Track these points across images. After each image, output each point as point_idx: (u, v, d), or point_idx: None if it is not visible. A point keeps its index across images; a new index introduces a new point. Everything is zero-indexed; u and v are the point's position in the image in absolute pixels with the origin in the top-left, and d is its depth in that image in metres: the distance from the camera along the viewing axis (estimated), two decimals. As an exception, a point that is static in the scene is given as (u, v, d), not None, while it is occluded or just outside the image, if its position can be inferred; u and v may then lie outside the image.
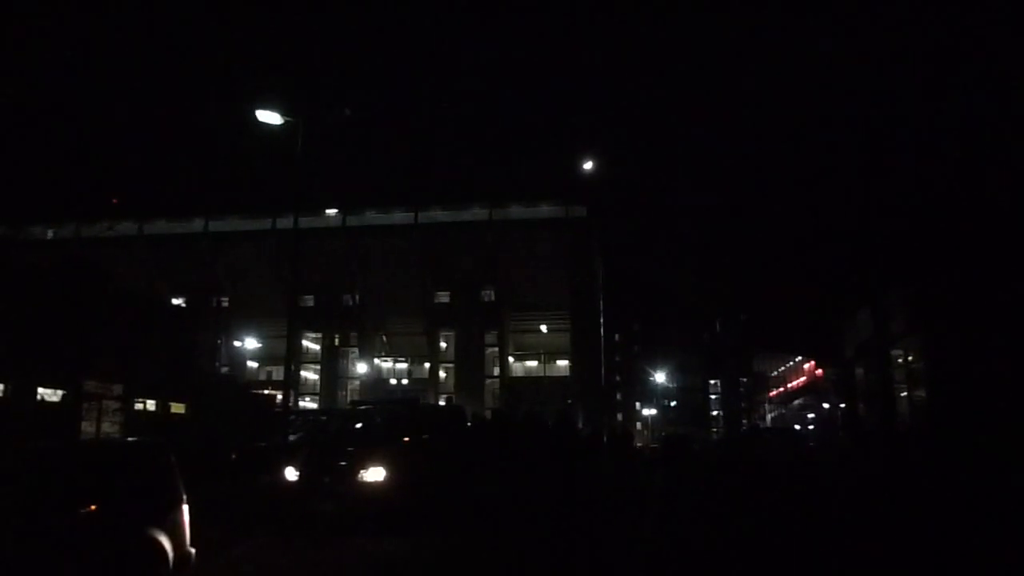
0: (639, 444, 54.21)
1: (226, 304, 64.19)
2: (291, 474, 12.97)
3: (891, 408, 26.68)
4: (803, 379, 61.33)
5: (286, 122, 20.65)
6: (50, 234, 65.62)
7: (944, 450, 18.15)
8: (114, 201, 65.75)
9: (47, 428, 21.40)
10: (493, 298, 63.76)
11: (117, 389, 28.36)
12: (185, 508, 8.05)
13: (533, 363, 68.23)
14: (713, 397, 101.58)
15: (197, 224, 66.10)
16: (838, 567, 8.79)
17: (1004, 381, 17.18)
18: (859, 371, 32.51)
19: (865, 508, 13.18)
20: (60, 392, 26.17)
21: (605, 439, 31.31)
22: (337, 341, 65.88)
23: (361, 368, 64.65)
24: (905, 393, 25.63)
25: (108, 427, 26.44)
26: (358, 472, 12.35)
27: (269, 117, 20.34)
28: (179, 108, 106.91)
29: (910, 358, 24.84)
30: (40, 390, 25.56)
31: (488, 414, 33.31)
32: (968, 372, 18.88)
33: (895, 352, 26.33)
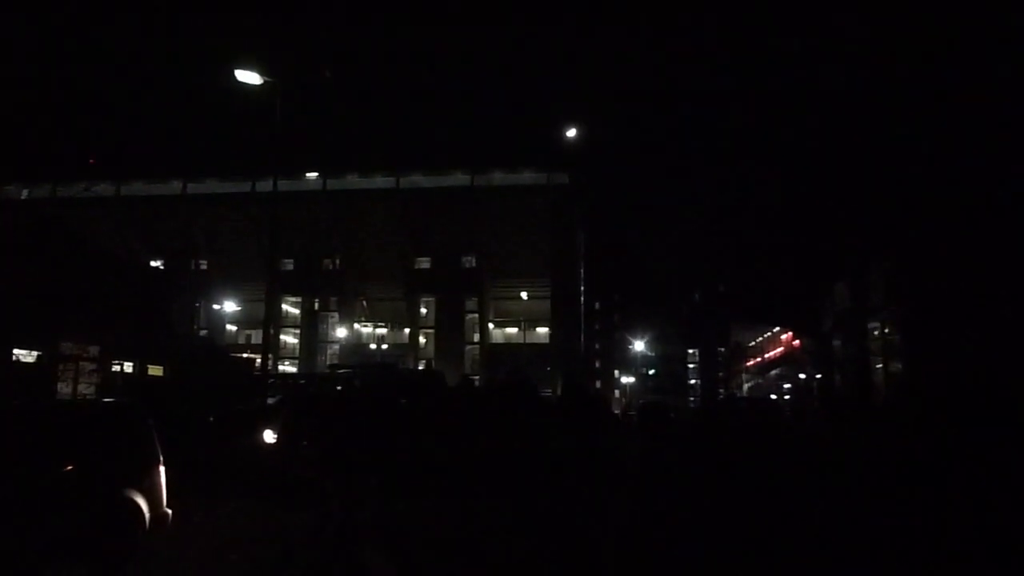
0: (616, 411, 54.50)
1: (205, 267, 63.81)
2: (269, 437, 12.97)
3: (867, 379, 27.03)
4: (780, 350, 61.83)
5: (265, 83, 20.43)
6: (25, 194, 64.77)
7: (919, 421, 18.38)
8: (91, 161, 64.93)
9: (22, 389, 21.29)
10: (474, 264, 63.68)
11: (93, 351, 28.22)
12: (162, 470, 8.05)
13: (513, 330, 68.35)
14: (691, 366, 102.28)
15: (175, 186, 65.31)
16: (812, 537, 8.86)
17: (979, 353, 17.41)
18: (836, 343, 32.89)
19: (840, 478, 13.32)
20: (35, 353, 26.00)
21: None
22: (317, 305, 65.65)
23: (341, 333, 64.59)
24: (881, 365, 25.97)
25: (84, 388, 26.33)
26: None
27: (248, 77, 20.10)
28: (158, 67, 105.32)
29: (887, 330, 25.14)
30: (15, 351, 25.38)
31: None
32: (944, 344, 19.13)
33: (872, 324, 26.64)
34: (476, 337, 64.64)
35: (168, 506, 8.04)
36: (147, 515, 7.65)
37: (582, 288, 69.26)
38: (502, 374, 17.80)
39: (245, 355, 47.00)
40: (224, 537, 9.05)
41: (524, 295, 63.57)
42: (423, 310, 65.43)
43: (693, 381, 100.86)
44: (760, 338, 70.93)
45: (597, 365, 77.72)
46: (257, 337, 52.17)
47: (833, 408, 32.15)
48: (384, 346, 64.24)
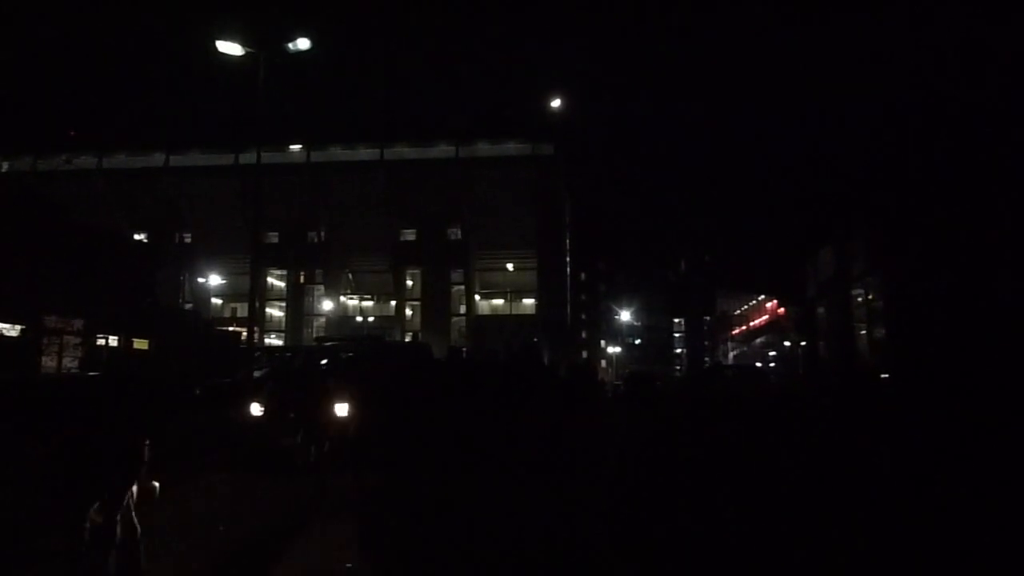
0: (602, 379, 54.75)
1: (189, 240, 63.44)
2: (256, 410, 12.97)
3: (851, 346, 27.18)
4: (765, 318, 62.28)
5: (247, 53, 20.21)
6: (5, 167, 64.08)
7: (902, 387, 18.55)
8: (72, 134, 64.26)
9: (6, 363, 21.21)
10: (459, 236, 63.59)
11: (77, 325, 28.10)
12: (147, 443, 8.02)
13: (499, 301, 68.40)
14: (677, 336, 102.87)
15: (157, 158, 64.71)
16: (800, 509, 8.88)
17: (963, 320, 17.52)
18: (820, 310, 33.02)
19: (826, 446, 13.42)
20: (19, 327, 25.87)
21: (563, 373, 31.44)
22: (302, 278, 65.50)
23: (327, 305, 64.49)
24: (865, 331, 26.11)
25: (69, 362, 26.26)
26: (323, 408, 12.38)
27: (230, 48, 19.88)
28: (140, 38, 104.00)
29: (870, 297, 25.25)
30: (-1, 325, 25.26)
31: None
32: (928, 311, 19.23)
33: (856, 291, 26.74)
34: (462, 309, 64.69)
35: (155, 479, 8.02)
36: (133, 488, 7.63)
37: (568, 259, 69.33)
38: (515, 344, 17.47)
39: (231, 328, 46.89)
40: (210, 508, 9.05)
41: (510, 266, 63.59)
42: (409, 282, 65.38)
43: (679, 350, 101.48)
44: (745, 307, 71.41)
45: (584, 335, 77.87)
46: (243, 310, 51.95)
47: (818, 374, 32.42)
48: (370, 319, 64.19)
